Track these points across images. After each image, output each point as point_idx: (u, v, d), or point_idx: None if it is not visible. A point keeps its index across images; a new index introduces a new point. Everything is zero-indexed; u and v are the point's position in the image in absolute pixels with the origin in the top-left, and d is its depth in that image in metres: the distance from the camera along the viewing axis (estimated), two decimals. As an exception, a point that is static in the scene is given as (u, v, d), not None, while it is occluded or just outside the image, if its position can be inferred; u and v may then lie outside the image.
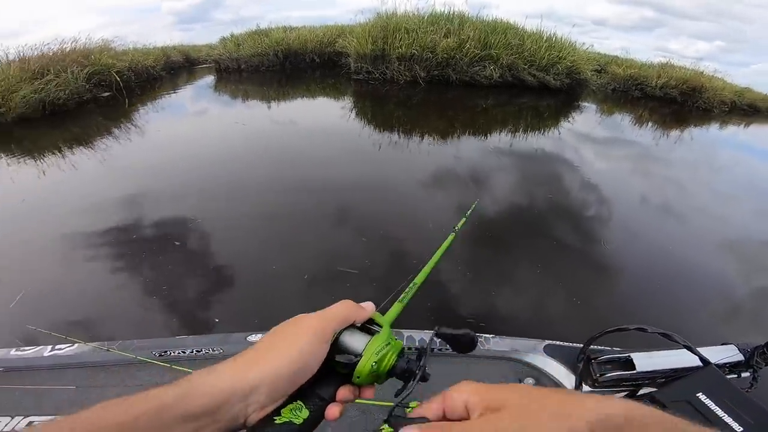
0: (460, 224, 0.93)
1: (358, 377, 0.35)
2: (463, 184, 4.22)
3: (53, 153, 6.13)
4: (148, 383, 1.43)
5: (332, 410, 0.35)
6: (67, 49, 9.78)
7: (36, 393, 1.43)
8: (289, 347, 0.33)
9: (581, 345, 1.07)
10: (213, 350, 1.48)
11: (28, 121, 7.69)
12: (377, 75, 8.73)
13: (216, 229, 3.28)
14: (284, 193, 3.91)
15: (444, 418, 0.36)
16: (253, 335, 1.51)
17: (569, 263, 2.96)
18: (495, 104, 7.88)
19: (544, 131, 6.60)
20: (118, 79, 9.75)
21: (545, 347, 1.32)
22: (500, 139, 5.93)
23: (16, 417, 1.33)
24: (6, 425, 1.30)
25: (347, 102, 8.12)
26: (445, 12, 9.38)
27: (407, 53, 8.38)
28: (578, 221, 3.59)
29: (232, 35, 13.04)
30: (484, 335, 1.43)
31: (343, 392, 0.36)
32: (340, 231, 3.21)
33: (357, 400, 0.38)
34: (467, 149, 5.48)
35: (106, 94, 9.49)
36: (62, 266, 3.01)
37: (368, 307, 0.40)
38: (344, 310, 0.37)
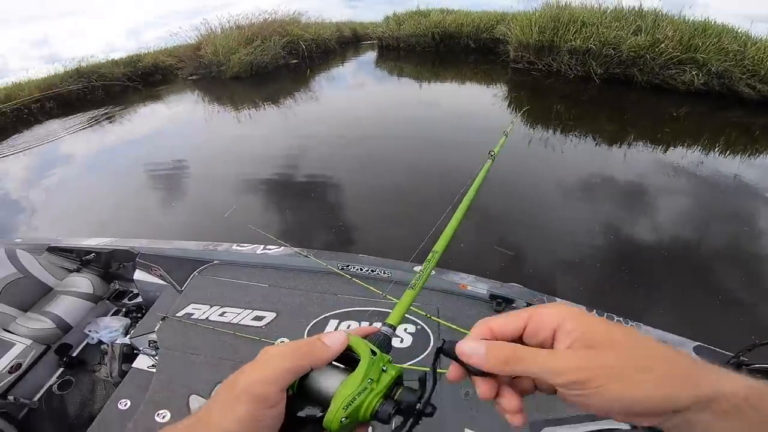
0: (497, 147, 0.77)
1: None
2: (627, 197, 3.72)
3: (252, 107, 7.78)
4: (326, 291, 1.71)
5: None
6: (269, 20, 11.79)
7: (235, 286, 1.74)
8: (226, 420, 0.28)
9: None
10: (383, 273, 1.69)
11: (239, 79, 9.79)
12: (541, 66, 8.11)
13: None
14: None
15: (520, 339, 0.30)
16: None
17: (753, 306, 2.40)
18: (689, 113, 6.47)
19: (753, 156, 5.18)
20: (305, 48, 11.49)
21: (695, 348, 1.23)
22: (686, 155, 4.92)
23: (214, 306, 1.64)
24: (203, 313, 1.60)
25: (500, 90, 7.81)
26: (635, 8, 8.01)
27: (582, 47, 7.50)
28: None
29: (395, 14, 13.75)
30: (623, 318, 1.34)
31: None
32: (499, 219, 3.30)
33: None
34: (640, 160, 4.72)
35: (294, 61, 11.27)
36: (255, 191, 3.91)
37: (334, 343, 0.32)
38: (289, 362, 0.30)
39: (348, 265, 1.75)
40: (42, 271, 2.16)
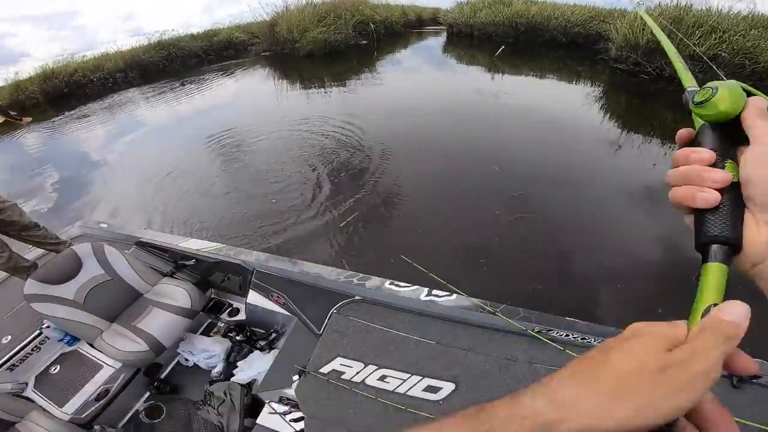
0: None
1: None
2: None
3: (320, 84, 7.60)
4: (515, 358, 1.27)
5: None
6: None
7: (391, 339, 1.35)
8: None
9: None
10: (592, 341, 1.26)
11: (312, 57, 9.54)
12: (650, 69, 7.15)
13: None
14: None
15: None
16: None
17: None
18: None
19: None
20: (374, 29, 11.00)
21: None
22: None
23: (369, 365, 1.28)
24: (357, 374, 1.26)
25: (592, 91, 6.97)
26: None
27: (706, 53, 6.51)
28: None
29: (469, 1, 12.90)
30: None
31: None
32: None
33: None
34: None
35: (364, 42, 10.83)
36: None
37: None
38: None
39: (550, 330, 1.30)
40: (133, 275, 1.85)
